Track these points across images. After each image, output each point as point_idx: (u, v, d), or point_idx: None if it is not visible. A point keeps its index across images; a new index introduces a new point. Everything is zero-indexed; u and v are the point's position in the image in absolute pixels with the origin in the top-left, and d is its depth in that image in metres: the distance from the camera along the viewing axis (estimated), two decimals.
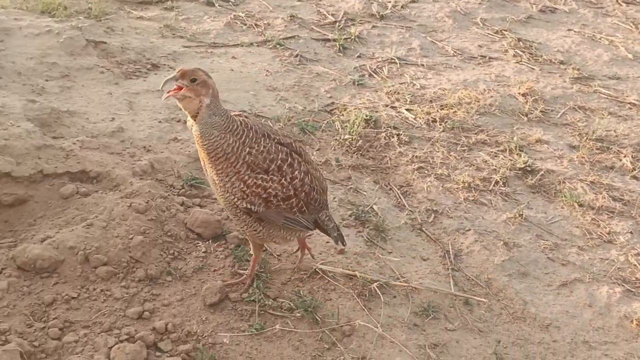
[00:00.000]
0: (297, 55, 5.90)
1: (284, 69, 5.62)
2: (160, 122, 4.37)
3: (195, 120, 2.66)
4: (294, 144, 2.93)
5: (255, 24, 6.53)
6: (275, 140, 2.83)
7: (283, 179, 2.81)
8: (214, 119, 2.65)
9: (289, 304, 3.07)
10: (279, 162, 2.79)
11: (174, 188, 3.73)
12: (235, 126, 2.71)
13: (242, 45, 6.03)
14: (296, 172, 2.86)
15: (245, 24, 6.51)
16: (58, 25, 5.36)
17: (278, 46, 6.05)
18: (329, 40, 6.34)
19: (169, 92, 2.59)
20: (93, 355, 2.59)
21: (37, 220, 3.36)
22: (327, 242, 3.55)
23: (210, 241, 3.39)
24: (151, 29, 6.09)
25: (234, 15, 6.63)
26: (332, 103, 5.11)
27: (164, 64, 5.39)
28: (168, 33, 6.06)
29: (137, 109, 4.52)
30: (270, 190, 2.78)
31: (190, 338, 2.81)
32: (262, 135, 2.80)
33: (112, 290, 2.99)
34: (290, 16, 6.71)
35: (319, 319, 3.01)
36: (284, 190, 2.82)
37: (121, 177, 3.63)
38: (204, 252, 3.35)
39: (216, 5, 6.83)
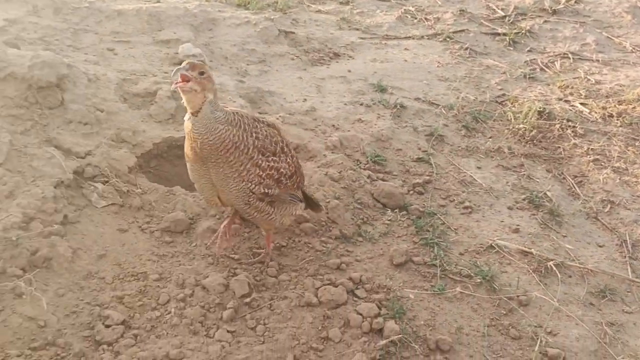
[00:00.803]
0: (467, 48, 6.12)
1: (455, 61, 5.87)
2: (345, 104, 4.84)
3: (197, 116, 2.63)
4: (275, 125, 3.04)
5: (425, 18, 6.83)
6: (265, 124, 2.93)
7: (288, 158, 2.94)
8: (216, 114, 2.66)
9: (468, 271, 3.36)
10: (280, 143, 2.92)
11: (360, 163, 4.16)
12: (232, 117, 2.72)
13: (413, 38, 6.37)
14: (292, 151, 3.02)
15: (416, 18, 6.84)
16: (254, 16, 6.05)
17: (448, 39, 6.30)
18: (498, 34, 6.47)
19: (177, 82, 2.55)
20: (304, 293, 3.07)
21: None
22: (502, 221, 3.78)
23: (397, 211, 3.76)
24: (329, 22, 6.63)
25: (405, 10, 6.98)
26: (503, 95, 5.27)
27: (344, 53, 5.89)
28: (345, 25, 6.57)
29: (324, 92, 5.04)
30: (281, 170, 2.89)
31: (381, 290, 3.20)
32: (255, 120, 2.86)
33: (313, 244, 3.47)
34: (460, 10, 6.93)
35: (496, 287, 3.26)
36: (290, 169, 2.96)
37: (316, 149, 4.13)
38: (388, 220, 3.74)
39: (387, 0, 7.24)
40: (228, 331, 2.82)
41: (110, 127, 3.77)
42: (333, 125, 4.51)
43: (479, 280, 3.28)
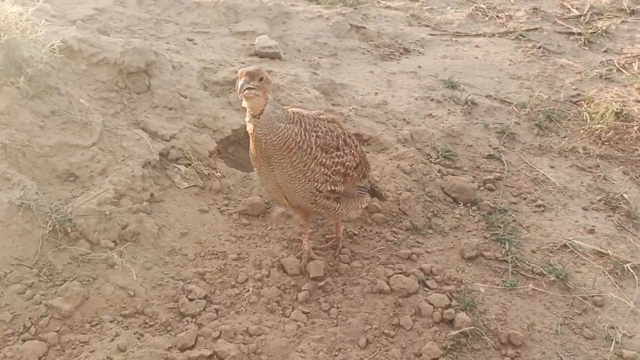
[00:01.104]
0: (539, 47, 6.01)
1: (527, 60, 5.78)
2: (416, 99, 4.86)
3: (259, 118, 2.61)
4: (335, 119, 3.02)
5: (497, 16, 6.74)
6: (325, 120, 2.90)
7: (352, 149, 2.92)
8: (276, 112, 2.65)
9: (540, 269, 3.34)
10: (342, 136, 2.89)
11: (430, 157, 4.18)
12: (291, 115, 2.72)
13: (484, 35, 6.31)
14: (355, 140, 2.98)
15: (487, 16, 6.76)
16: (326, 11, 6.14)
17: (520, 37, 6.21)
18: (572, 33, 6.32)
19: (243, 92, 2.52)
20: (375, 281, 3.13)
21: None
22: (576, 221, 3.73)
23: (468, 205, 3.77)
24: (399, 18, 6.65)
25: (476, 7, 6.91)
26: (578, 95, 5.16)
27: (414, 49, 5.90)
28: (414, 22, 6.57)
29: (395, 86, 5.07)
30: (347, 163, 2.88)
31: (452, 282, 3.22)
32: (314, 118, 2.84)
33: (384, 234, 3.53)
34: (533, 9, 6.80)
35: (570, 286, 3.23)
36: (355, 159, 2.93)
37: (388, 142, 4.18)
38: (459, 214, 3.75)
39: None
40: (303, 312, 2.92)
41: (192, 113, 3.94)
42: (404, 119, 4.54)
43: (552, 279, 3.26)
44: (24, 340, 2.46)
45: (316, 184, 2.78)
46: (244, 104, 2.63)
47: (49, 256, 2.80)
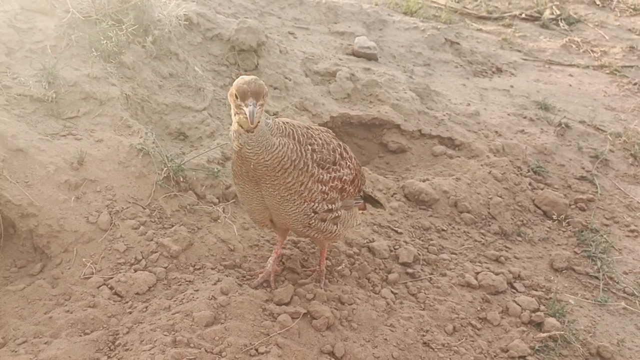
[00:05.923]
0: (635, 84, 5.90)
1: (622, 94, 5.69)
2: (508, 115, 4.85)
3: (253, 132, 2.21)
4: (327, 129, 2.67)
5: (591, 50, 6.68)
6: (319, 131, 2.56)
7: (349, 162, 2.61)
8: (268, 123, 2.28)
9: (632, 290, 3.25)
10: (338, 149, 2.56)
11: (521, 170, 4.16)
12: (282, 126, 2.35)
13: (577, 66, 6.25)
14: (349, 152, 2.66)
15: (581, 48, 6.70)
16: (422, 24, 6.23)
17: (615, 72, 6.12)
18: None
19: (253, 123, 2.13)
20: (463, 274, 3.12)
21: (411, 168, 4.09)
22: None
23: (559, 220, 3.72)
24: (490, 40, 6.67)
25: (569, 39, 6.86)
26: None
27: (506, 70, 5.90)
28: (506, 46, 6.58)
29: (487, 101, 5.08)
30: (344, 177, 2.55)
31: (540, 289, 3.18)
32: (307, 128, 2.48)
33: (471, 234, 3.53)
34: (630, 47, 6.71)
35: None
36: (352, 172, 2.61)
37: (479, 150, 4.18)
38: (548, 227, 3.71)
39: (551, 28, 7.17)
40: (392, 292, 2.94)
41: (295, 95, 4.07)
42: (496, 132, 4.54)
43: None
44: (135, 271, 2.58)
45: (312, 204, 2.44)
46: (235, 125, 2.24)
47: (160, 201, 2.93)
